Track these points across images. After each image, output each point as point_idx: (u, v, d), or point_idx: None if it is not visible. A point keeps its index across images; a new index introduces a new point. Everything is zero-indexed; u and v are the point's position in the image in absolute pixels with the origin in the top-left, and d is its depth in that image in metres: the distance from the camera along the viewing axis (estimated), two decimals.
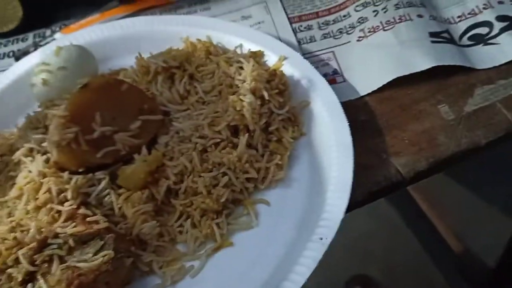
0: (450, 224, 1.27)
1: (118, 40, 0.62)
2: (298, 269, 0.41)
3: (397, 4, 0.60)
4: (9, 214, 0.48)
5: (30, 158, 0.49)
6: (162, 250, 0.46)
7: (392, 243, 1.29)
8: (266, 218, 0.47)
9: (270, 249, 0.45)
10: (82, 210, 0.44)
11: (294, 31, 0.63)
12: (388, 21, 0.59)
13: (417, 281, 1.23)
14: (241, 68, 0.54)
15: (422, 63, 0.54)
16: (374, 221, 1.29)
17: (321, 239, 0.42)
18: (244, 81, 0.52)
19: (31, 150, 0.50)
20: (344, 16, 0.63)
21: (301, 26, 0.63)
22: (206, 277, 0.45)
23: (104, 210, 0.47)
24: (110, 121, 0.49)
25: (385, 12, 0.60)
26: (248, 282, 0.43)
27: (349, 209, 0.44)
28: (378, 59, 0.57)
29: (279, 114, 0.52)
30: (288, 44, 0.60)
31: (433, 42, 0.56)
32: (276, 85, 0.53)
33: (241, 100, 0.49)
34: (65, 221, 0.44)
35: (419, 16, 0.59)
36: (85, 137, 0.47)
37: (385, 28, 0.59)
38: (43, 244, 0.43)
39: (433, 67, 0.53)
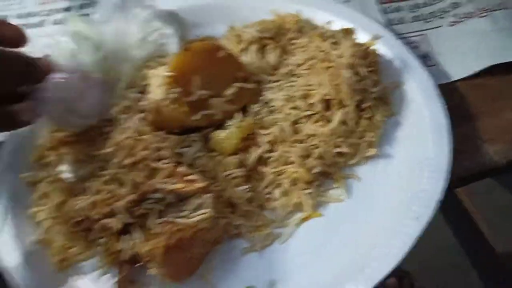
0: (492, 224, 1.25)
1: (207, 8, 0.63)
2: (395, 243, 0.41)
3: None
4: (102, 168, 0.50)
5: (125, 116, 0.51)
6: (250, 215, 0.47)
7: (430, 238, 1.27)
8: (355, 192, 0.48)
9: (360, 223, 0.45)
10: (181, 169, 0.45)
11: (383, 11, 0.62)
12: (484, 8, 0.58)
13: (453, 277, 1.21)
14: (335, 43, 0.54)
15: None
16: None
17: (417, 218, 0.42)
18: (340, 57, 0.51)
19: (127, 107, 0.51)
20: (435, 0, 0.62)
21: (390, 6, 0.63)
22: (294, 245, 0.45)
23: (196, 171, 0.48)
24: (207, 86, 0.49)
25: None
26: (338, 254, 0.44)
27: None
28: (473, 45, 0.56)
29: (372, 92, 0.51)
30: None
31: None
32: (369, 63, 0.53)
33: (339, 74, 0.49)
34: (165, 177, 0.45)
35: None
36: (184, 99, 0.48)
37: (481, 15, 0.57)
38: (142, 198, 0.44)
39: None
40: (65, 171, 0.52)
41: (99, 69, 0.52)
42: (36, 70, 0.44)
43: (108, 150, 0.48)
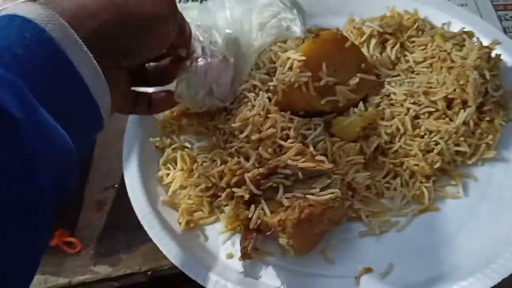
0: None
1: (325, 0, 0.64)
2: None
3: None
4: (226, 141, 0.53)
5: (253, 94, 0.53)
6: (368, 201, 0.49)
7: None
8: (472, 191, 0.49)
9: (477, 221, 0.47)
10: (311, 149, 0.47)
11: (499, 19, 0.62)
12: None
13: None
14: (457, 45, 0.55)
15: None
16: None
17: None
18: (464, 58, 0.52)
19: (254, 87, 0.54)
20: None
21: (506, 14, 0.63)
22: (412, 234, 0.47)
23: (317, 154, 0.50)
24: (333, 73, 0.51)
25: None
26: (457, 247, 0.45)
27: None
28: None
29: (493, 96, 0.52)
30: None
31: None
32: (491, 67, 0.53)
33: (466, 75, 0.50)
34: (295, 155, 0.47)
35: None
36: (313, 83, 0.50)
37: None
38: (271, 172, 0.46)
39: None
40: (188, 140, 0.55)
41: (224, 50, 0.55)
42: (188, 37, 0.46)
43: (236, 124, 0.51)
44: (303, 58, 0.50)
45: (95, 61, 0.34)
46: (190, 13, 0.55)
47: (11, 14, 0.32)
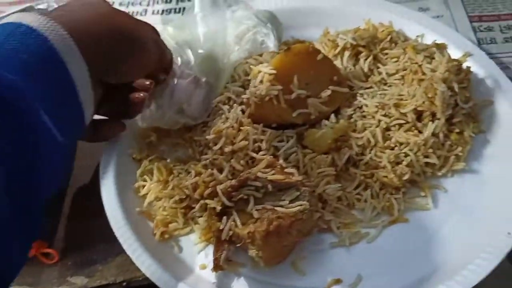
0: None
1: (303, 11, 0.65)
2: (485, 256, 0.43)
3: None
4: (201, 153, 0.54)
5: (227, 107, 0.54)
6: (339, 212, 0.50)
7: None
8: (442, 203, 0.50)
9: (445, 232, 0.47)
10: (281, 161, 0.48)
11: (474, 30, 0.63)
12: None
13: None
14: (428, 57, 0.56)
15: None
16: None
17: (509, 233, 0.44)
18: (433, 70, 0.53)
19: (229, 99, 0.54)
20: None
21: (481, 26, 0.64)
22: (381, 245, 0.48)
23: (289, 166, 0.51)
24: (305, 86, 0.52)
25: None
26: (425, 258, 0.46)
27: None
28: None
29: (462, 108, 0.53)
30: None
31: None
32: (461, 79, 0.54)
33: (434, 88, 0.51)
34: (265, 168, 0.48)
35: None
36: (284, 96, 0.51)
37: None
38: (241, 184, 0.47)
39: None
40: (166, 151, 0.56)
41: (198, 69, 0.56)
42: (169, 62, 0.48)
43: (211, 137, 0.52)
44: (274, 71, 0.50)
45: (88, 74, 0.38)
46: (165, 33, 0.57)
47: (18, 23, 0.36)
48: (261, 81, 0.51)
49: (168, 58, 0.48)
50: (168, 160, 0.55)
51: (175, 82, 0.51)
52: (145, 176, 0.53)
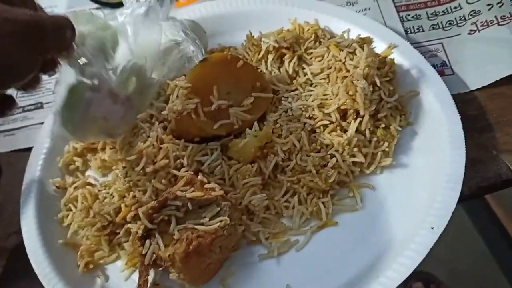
0: None
1: (227, 17, 0.64)
2: (409, 253, 0.42)
3: None
4: (126, 174, 0.52)
5: (148, 125, 0.52)
6: (267, 222, 0.49)
7: (459, 246, 1.26)
8: (370, 202, 0.48)
9: (375, 232, 0.46)
10: (200, 177, 0.47)
11: (401, 20, 0.62)
12: (504, 16, 0.58)
13: (482, 285, 1.20)
14: (352, 53, 0.55)
15: None
16: None
17: (432, 228, 0.43)
18: (356, 67, 0.52)
19: (151, 116, 0.53)
20: (455, 8, 0.62)
21: (408, 15, 0.63)
22: (310, 252, 0.46)
23: (215, 179, 0.49)
24: (226, 96, 0.51)
25: (500, 6, 0.59)
26: (353, 261, 0.45)
27: (458, 202, 0.44)
28: (492, 53, 0.56)
29: (387, 102, 0.52)
30: (395, 32, 0.59)
31: None
32: (386, 72, 0.53)
33: (354, 85, 0.50)
34: (184, 185, 0.46)
35: None
36: (203, 109, 0.50)
37: (500, 23, 0.57)
38: (162, 205, 0.46)
39: None
40: (92, 176, 0.55)
41: (123, 85, 0.54)
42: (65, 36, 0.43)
43: (132, 157, 0.50)
44: (188, 85, 0.49)
45: None
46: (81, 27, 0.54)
47: None
48: (178, 96, 0.50)
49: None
50: (96, 185, 0.53)
51: (88, 96, 0.48)
52: (70, 205, 0.52)
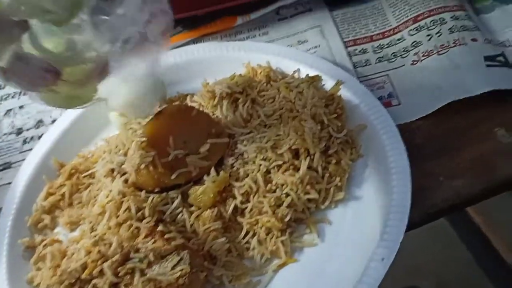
0: (505, 239, 1.25)
1: (184, 65, 0.66)
2: (361, 287, 0.44)
3: (451, 28, 0.62)
4: (92, 229, 0.54)
5: (110, 179, 0.54)
6: (230, 265, 0.50)
7: (444, 256, 1.28)
8: (327, 236, 0.50)
9: (332, 266, 0.48)
10: (160, 227, 0.49)
11: (349, 55, 0.65)
12: (442, 45, 0.61)
13: None
14: (300, 93, 0.57)
15: (477, 87, 0.55)
16: (425, 234, 1.29)
17: (383, 259, 0.45)
18: (304, 106, 0.55)
19: (112, 170, 0.55)
20: (398, 39, 0.65)
21: (356, 49, 0.66)
22: None
23: (177, 227, 0.51)
24: (182, 145, 0.53)
25: (439, 36, 0.62)
26: None
27: (407, 229, 0.47)
28: (433, 82, 0.59)
29: (337, 138, 0.54)
30: (344, 67, 0.63)
31: (488, 66, 0.57)
32: (334, 109, 0.56)
33: (302, 125, 0.52)
34: (145, 237, 0.48)
35: (474, 39, 0.60)
36: (160, 160, 0.52)
37: (440, 52, 0.61)
38: (125, 258, 0.48)
39: (489, 91, 0.55)
40: (60, 233, 0.56)
41: None
42: None
43: (95, 212, 0.52)
44: (143, 139, 0.51)
45: None
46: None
47: None
48: (135, 150, 0.52)
49: None
50: (63, 242, 0.55)
51: None
52: (39, 264, 0.53)
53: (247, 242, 0.51)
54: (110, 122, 0.62)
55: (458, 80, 0.57)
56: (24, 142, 0.67)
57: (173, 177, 0.52)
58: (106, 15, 0.38)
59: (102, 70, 0.42)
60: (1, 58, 0.36)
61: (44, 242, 0.55)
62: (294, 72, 0.62)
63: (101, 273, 0.49)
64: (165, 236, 0.48)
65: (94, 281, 0.49)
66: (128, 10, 0.39)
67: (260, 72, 0.63)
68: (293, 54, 0.64)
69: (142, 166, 0.51)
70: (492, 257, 1.26)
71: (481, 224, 1.30)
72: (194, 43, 0.71)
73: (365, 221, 0.50)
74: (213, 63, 0.66)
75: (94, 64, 0.41)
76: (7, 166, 0.65)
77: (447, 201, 0.50)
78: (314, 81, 0.59)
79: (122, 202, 0.52)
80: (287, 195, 0.51)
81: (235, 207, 0.52)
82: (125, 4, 0.39)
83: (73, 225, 0.57)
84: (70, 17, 0.38)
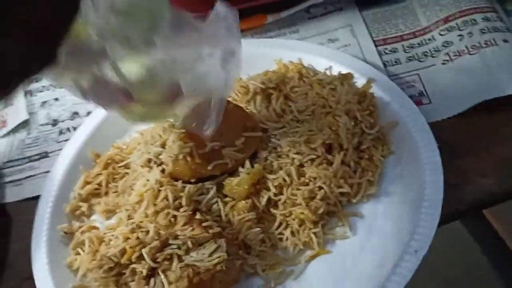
0: None
1: None
2: (395, 278, 0.45)
3: (482, 29, 0.62)
4: (129, 217, 0.55)
5: (146, 169, 0.56)
6: (264, 254, 0.52)
7: (457, 259, 1.28)
8: (359, 229, 0.52)
9: (364, 258, 0.49)
10: (198, 216, 0.50)
11: (379, 54, 0.66)
12: (474, 45, 0.62)
13: None
14: (333, 89, 0.59)
15: (508, 87, 0.56)
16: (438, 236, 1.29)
17: (416, 251, 0.46)
18: (338, 103, 0.56)
19: (149, 161, 0.57)
20: (429, 39, 0.66)
21: (386, 48, 0.67)
22: (306, 281, 0.49)
23: (212, 217, 0.53)
24: (219, 137, 0.55)
25: (470, 36, 0.63)
26: (347, 287, 0.47)
27: (438, 225, 0.48)
28: (464, 82, 0.59)
29: (369, 134, 0.56)
30: (374, 66, 0.64)
31: None
32: (366, 106, 0.57)
33: (336, 120, 0.54)
34: (184, 225, 0.50)
35: (505, 41, 0.61)
36: (198, 151, 0.54)
37: (471, 53, 0.61)
38: (164, 244, 0.49)
39: None
40: (97, 220, 0.58)
41: None
42: None
43: (132, 201, 0.54)
44: (182, 130, 0.53)
45: None
46: None
47: None
48: (174, 141, 0.53)
49: None
50: (101, 228, 0.56)
51: None
52: (78, 249, 0.55)
53: (280, 233, 0.52)
54: None
55: (489, 80, 0.58)
56: (60, 132, 0.69)
57: (209, 168, 0.54)
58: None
59: (176, 94, 0.44)
60: (82, 78, 0.38)
61: (82, 229, 0.57)
62: (326, 69, 0.63)
63: (139, 258, 0.50)
64: (203, 224, 0.49)
65: (132, 266, 0.51)
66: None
67: (292, 69, 0.64)
68: (324, 52, 0.65)
69: (180, 156, 0.53)
70: (507, 259, 1.26)
71: (497, 227, 1.30)
72: None
73: (397, 215, 0.51)
74: (245, 60, 0.67)
75: (169, 88, 0.43)
76: (44, 155, 0.67)
77: (476, 199, 0.51)
78: (346, 78, 0.61)
79: (159, 191, 0.53)
80: (320, 188, 0.53)
81: (269, 199, 0.54)
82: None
83: (109, 213, 0.59)
84: (147, 43, 0.39)
